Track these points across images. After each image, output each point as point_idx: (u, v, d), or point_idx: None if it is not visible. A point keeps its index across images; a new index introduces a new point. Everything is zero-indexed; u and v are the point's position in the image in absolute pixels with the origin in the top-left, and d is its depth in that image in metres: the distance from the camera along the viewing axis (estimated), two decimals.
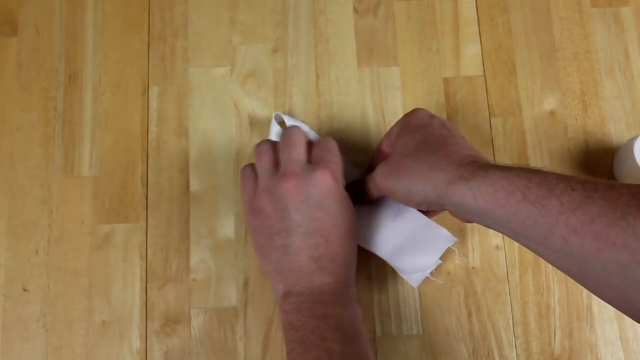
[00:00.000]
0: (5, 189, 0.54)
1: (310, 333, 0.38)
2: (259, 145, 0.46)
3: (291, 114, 0.55)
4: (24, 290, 0.52)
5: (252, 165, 0.47)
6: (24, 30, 0.57)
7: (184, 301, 0.51)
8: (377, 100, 0.55)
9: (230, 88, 0.56)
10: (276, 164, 0.44)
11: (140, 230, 0.53)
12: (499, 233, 0.41)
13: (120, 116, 0.55)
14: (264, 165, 0.44)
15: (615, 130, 0.54)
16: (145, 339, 0.51)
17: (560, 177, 0.33)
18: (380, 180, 0.42)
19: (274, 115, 0.53)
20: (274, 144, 0.46)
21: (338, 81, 0.56)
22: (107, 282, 0.52)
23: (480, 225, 0.53)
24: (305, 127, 0.52)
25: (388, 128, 0.55)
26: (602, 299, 0.33)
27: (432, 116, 0.44)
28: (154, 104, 0.55)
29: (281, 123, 0.53)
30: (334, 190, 0.42)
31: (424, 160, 0.39)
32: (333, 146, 0.45)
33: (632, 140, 0.49)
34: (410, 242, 0.47)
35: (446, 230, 0.47)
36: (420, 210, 0.47)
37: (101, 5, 0.58)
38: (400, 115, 0.55)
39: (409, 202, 0.41)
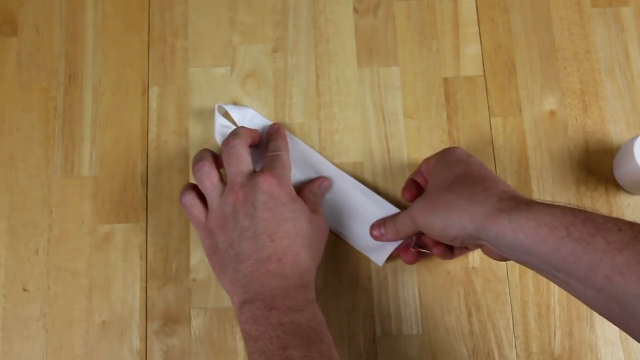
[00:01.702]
0: (5, 189, 0.54)
1: (269, 343, 0.37)
2: (197, 168, 0.45)
3: (291, 114, 0.55)
4: (24, 290, 0.52)
5: (192, 190, 0.46)
6: (24, 30, 0.57)
7: (184, 301, 0.51)
8: (377, 100, 0.55)
9: (230, 88, 0.56)
10: (220, 178, 0.45)
11: (140, 230, 0.53)
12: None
13: (120, 116, 0.55)
14: (209, 186, 0.45)
15: (615, 130, 0.54)
16: (145, 339, 0.51)
17: (606, 217, 0.33)
18: (417, 214, 0.42)
19: (216, 107, 0.52)
20: (211, 160, 0.46)
21: (338, 81, 0.56)
22: (107, 282, 0.52)
23: None
24: (250, 113, 0.53)
25: (388, 128, 0.55)
26: None
27: (470, 155, 0.44)
28: (154, 104, 0.55)
29: (225, 114, 0.53)
30: (277, 192, 0.43)
31: (461, 193, 0.39)
32: (281, 147, 0.48)
33: (632, 140, 0.49)
34: (364, 222, 0.50)
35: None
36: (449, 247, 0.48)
37: (101, 5, 0.58)
38: (401, 115, 0.55)
39: (444, 237, 0.40)
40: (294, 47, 0.57)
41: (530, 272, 0.51)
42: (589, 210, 0.34)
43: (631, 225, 0.32)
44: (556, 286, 0.51)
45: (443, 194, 0.40)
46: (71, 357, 0.50)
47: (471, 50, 0.56)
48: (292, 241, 0.42)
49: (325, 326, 0.41)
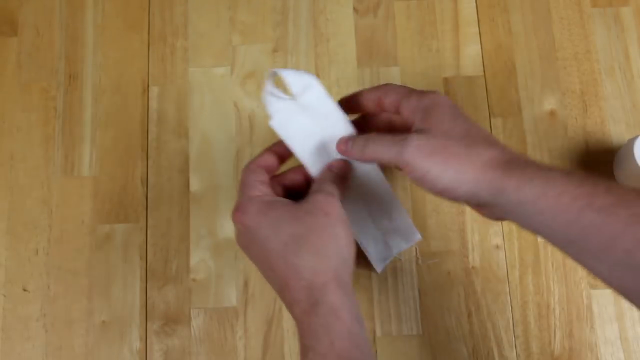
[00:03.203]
0: (5, 189, 0.54)
1: None
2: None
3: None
4: (24, 290, 0.52)
5: None
6: (24, 30, 0.57)
7: (184, 301, 0.51)
8: None
9: (230, 88, 0.56)
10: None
11: (140, 231, 0.53)
12: (534, 235, 0.38)
13: (120, 116, 0.55)
14: None
15: (615, 130, 0.54)
16: (145, 339, 0.51)
17: (627, 188, 0.31)
18: (417, 157, 0.34)
19: (268, 72, 0.40)
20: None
21: (338, 81, 0.56)
22: (107, 282, 0.52)
23: (478, 224, 0.53)
24: (310, 81, 0.40)
25: None
26: None
27: (455, 104, 0.37)
28: (154, 104, 0.55)
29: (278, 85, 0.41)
30: (245, 219, 0.37)
31: (478, 152, 0.34)
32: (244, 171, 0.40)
33: (632, 140, 0.49)
34: (375, 224, 0.45)
35: (414, 228, 0.44)
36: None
37: (101, 5, 0.58)
38: None
39: (448, 191, 0.34)
40: (294, 47, 0.57)
41: (530, 272, 0.51)
42: (606, 179, 0.32)
43: None
44: (556, 286, 0.51)
45: (454, 145, 0.34)
46: (71, 357, 0.50)
47: (471, 50, 0.56)
48: (283, 256, 0.35)
49: (360, 324, 0.35)
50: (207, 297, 0.51)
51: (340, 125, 0.41)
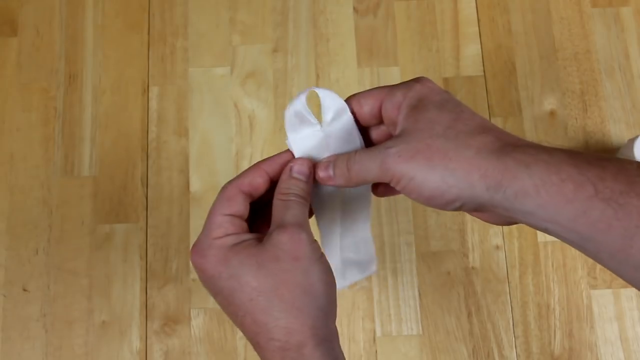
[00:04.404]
0: (5, 189, 0.54)
1: None
2: None
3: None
4: (24, 290, 0.52)
5: None
6: (24, 30, 0.57)
7: (184, 301, 0.51)
8: None
9: (230, 88, 0.56)
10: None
11: (140, 231, 0.53)
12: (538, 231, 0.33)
13: (120, 116, 0.55)
14: None
15: (615, 130, 0.54)
16: (145, 339, 0.51)
17: None
18: (396, 163, 0.29)
19: (305, 91, 0.35)
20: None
21: (338, 81, 0.56)
22: (107, 282, 0.52)
23: (479, 225, 0.53)
24: (341, 107, 0.35)
25: None
26: None
27: (446, 90, 0.31)
28: (154, 104, 0.55)
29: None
30: (202, 264, 0.31)
31: (467, 142, 0.29)
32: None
33: (632, 140, 0.49)
34: (342, 253, 0.36)
35: (375, 259, 0.36)
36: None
37: (101, 6, 0.58)
38: None
39: (437, 197, 0.29)
40: (294, 47, 0.57)
41: (530, 272, 0.51)
42: (617, 159, 0.27)
43: None
44: (556, 286, 0.51)
45: (437, 142, 0.29)
46: (71, 357, 0.50)
47: (471, 50, 0.56)
48: (250, 313, 0.30)
49: None
50: (207, 297, 0.51)
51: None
